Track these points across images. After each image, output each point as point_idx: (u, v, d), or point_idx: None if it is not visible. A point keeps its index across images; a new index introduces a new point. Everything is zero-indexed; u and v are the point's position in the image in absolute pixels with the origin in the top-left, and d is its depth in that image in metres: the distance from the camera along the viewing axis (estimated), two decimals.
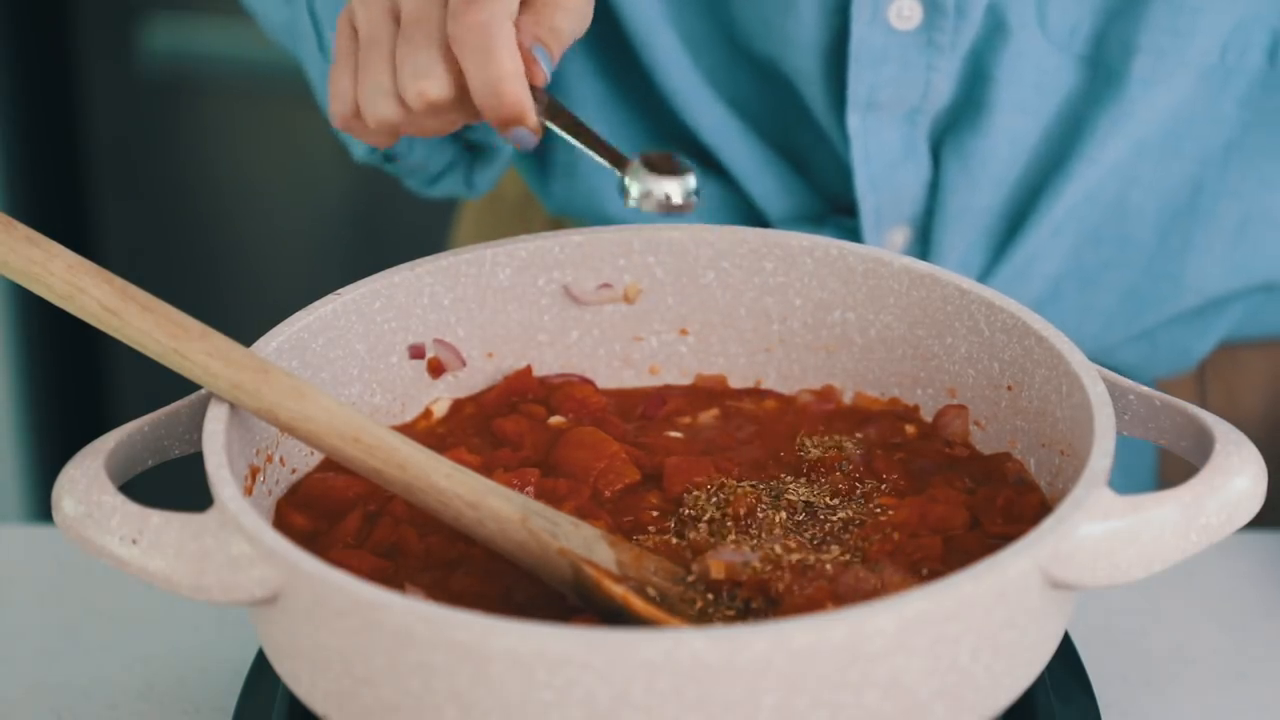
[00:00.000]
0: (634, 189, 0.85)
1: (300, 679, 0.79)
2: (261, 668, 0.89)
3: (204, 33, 2.12)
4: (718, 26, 1.10)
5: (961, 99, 1.08)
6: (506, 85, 0.86)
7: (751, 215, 1.14)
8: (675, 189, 0.85)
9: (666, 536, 0.86)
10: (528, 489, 0.89)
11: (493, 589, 0.84)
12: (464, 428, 0.95)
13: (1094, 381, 0.85)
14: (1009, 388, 0.91)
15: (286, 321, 0.90)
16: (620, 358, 0.98)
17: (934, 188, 1.10)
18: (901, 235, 1.10)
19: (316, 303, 0.92)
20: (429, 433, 0.95)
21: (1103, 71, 1.06)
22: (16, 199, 2.15)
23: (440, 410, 0.96)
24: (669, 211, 0.85)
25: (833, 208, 1.13)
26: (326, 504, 0.89)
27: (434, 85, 0.88)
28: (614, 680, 0.72)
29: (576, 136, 0.88)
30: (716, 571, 0.83)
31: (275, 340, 0.89)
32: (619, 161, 0.86)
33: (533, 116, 0.87)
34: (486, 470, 0.89)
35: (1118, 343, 1.13)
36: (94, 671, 0.98)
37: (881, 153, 1.08)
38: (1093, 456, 0.80)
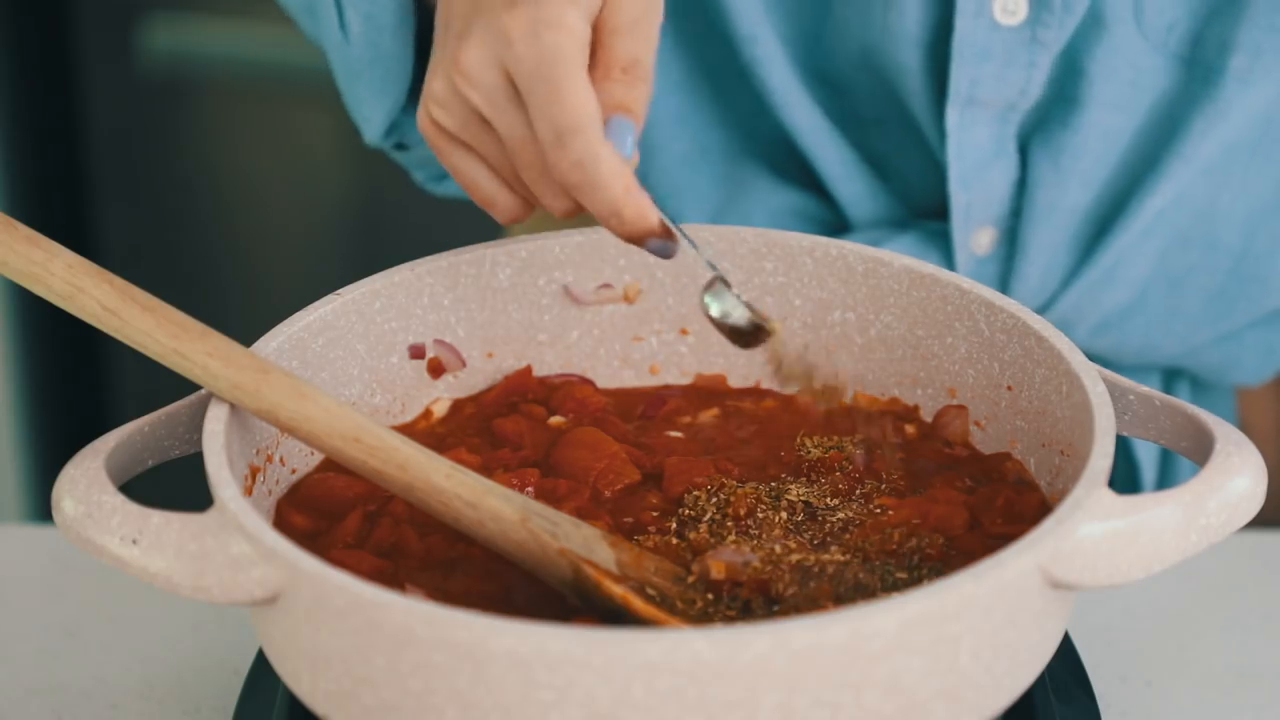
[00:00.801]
0: (714, 307, 0.86)
1: (300, 679, 0.79)
2: (261, 668, 0.89)
3: (204, 33, 2.12)
4: (815, 25, 1.10)
5: (1053, 95, 1.07)
6: (624, 210, 0.84)
7: (829, 226, 1.14)
8: (744, 315, 0.86)
9: (667, 537, 0.86)
10: (528, 489, 0.89)
11: (493, 589, 0.84)
12: (464, 428, 0.95)
13: (1094, 381, 0.85)
14: (1009, 388, 0.91)
15: (286, 321, 0.90)
16: (620, 358, 0.98)
17: (1021, 187, 1.09)
18: (988, 236, 1.10)
19: (316, 303, 0.92)
20: (429, 433, 0.95)
21: (1199, 70, 1.06)
22: (16, 199, 2.15)
23: (440, 410, 0.96)
24: (731, 334, 0.86)
25: (913, 212, 1.13)
26: (326, 504, 0.89)
27: (561, 207, 0.87)
28: (614, 680, 0.72)
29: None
30: (716, 571, 0.83)
31: (275, 340, 0.89)
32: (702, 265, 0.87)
33: (657, 223, 0.85)
34: (486, 470, 0.89)
35: (1202, 344, 1.13)
36: (94, 671, 0.98)
37: (973, 150, 1.08)
38: (1093, 456, 0.80)
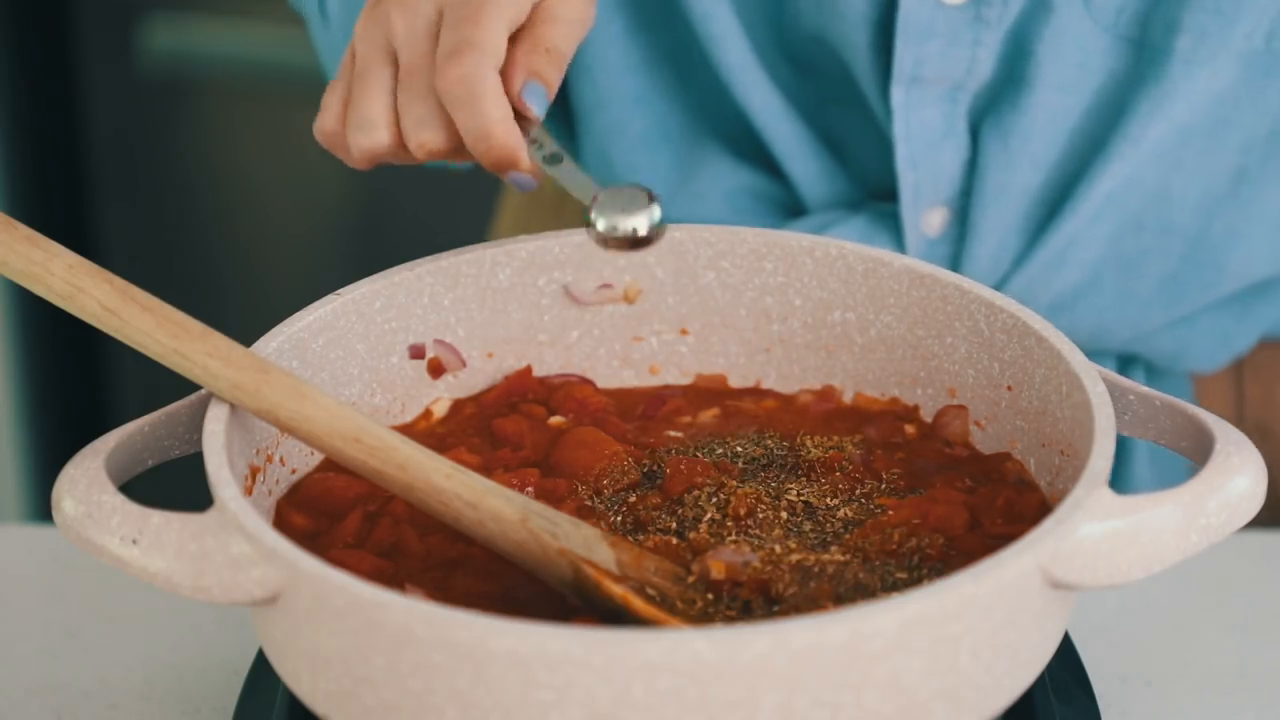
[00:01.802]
0: (600, 223, 0.85)
1: (300, 679, 0.79)
2: (261, 668, 0.89)
3: (204, 33, 2.12)
4: (772, 2, 1.10)
5: (1003, 76, 1.08)
6: (495, 135, 0.87)
7: (784, 207, 1.14)
8: (642, 222, 0.85)
9: (667, 536, 0.86)
10: (528, 489, 0.89)
11: (493, 589, 0.84)
12: (464, 428, 0.95)
13: (1094, 382, 0.85)
14: (1009, 388, 0.91)
15: (286, 321, 0.90)
16: (620, 358, 0.98)
17: (972, 167, 1.09)
18: (939, 216, 1.10)
19: (316, 303, 0.92)
20: (429, 433, 0.95)
21: (1146, 51, 1.06)
22: (16, 199, 2.15)
23: (440, 410, 0.96)
24: (635, 247, 0.85)
25: (869, 194, 1.13)
26: (326, 504, 0.89)
27: (434, 137, 0.89)
28: (614, 680, 0.72)
29: (557, 167, 0.88)
30: (717, 572, 0.83)
31: (275, 340, 0.89)
32: (588, 194, 0.86)
33: (525, 160, 0.88)
34: (486, 470, 0.89)
35: (1156, 329, 1.13)
36: (94, 671, 0.98)
37: (922, 130, 1.08)
38: (1093, 456, 0.80)
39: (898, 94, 1.07)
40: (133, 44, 2.13)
